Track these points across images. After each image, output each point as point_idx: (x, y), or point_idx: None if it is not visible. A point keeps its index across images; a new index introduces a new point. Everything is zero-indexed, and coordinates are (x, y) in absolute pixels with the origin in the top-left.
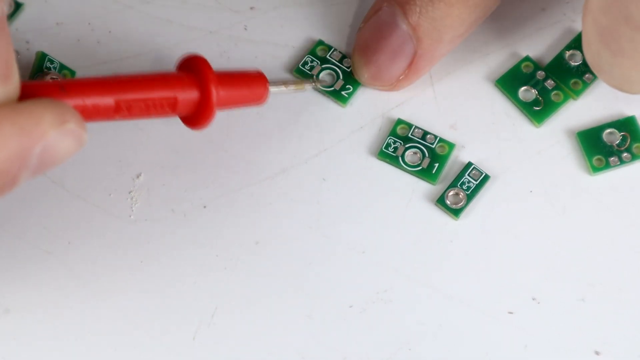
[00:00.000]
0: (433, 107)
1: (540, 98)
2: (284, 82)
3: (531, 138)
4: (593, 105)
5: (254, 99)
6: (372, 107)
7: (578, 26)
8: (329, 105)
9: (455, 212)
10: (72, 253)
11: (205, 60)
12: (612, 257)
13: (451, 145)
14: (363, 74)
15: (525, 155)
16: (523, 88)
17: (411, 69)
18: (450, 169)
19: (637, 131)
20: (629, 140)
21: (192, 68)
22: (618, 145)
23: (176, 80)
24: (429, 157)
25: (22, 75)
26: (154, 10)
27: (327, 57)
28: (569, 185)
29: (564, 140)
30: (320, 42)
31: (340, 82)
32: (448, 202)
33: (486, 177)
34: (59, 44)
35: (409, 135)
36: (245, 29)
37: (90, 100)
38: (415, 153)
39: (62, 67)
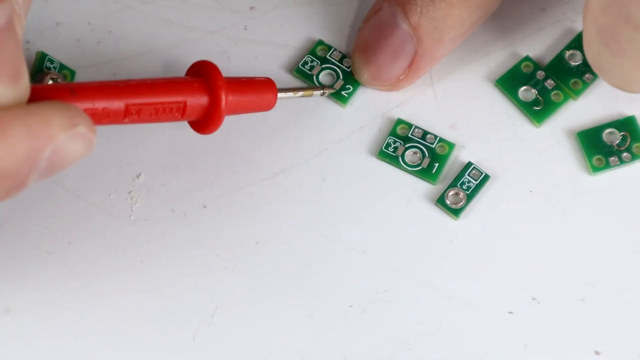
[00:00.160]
0: (433, 107)
1: (540, 98)
2: (293, 89)
3: (531, 138)
4: (593, 105)
5: (262, 106)
6: (372, 107)
7: (578, 26)
8: (329, 105)
9: (455, 212)
10: (72, 253)
11: (215, 66)
12: (612, 257)
13: (451, 145)
14: (363, 74)
15: (525, 155)
16: (523, 88)
17: (411, 69)
18: (450, 168)
19: (637, 131)
20: (629, 140)
21: (202, 73)
22: (618, 145)
23: (186, 85)
24: (429, 157)
25: None
26: (154, 10)
27: (327, 57)
28: (569, 185)
29: (564, 140)
30: (320, 42)
31: (340, 82)
32: (448, 202)
33: (486, 177)
34: (59, 44)
35: (409, 135)
36: (245, 29)
37: (101, 104)
38: (415, 153)
39: (62, 67)
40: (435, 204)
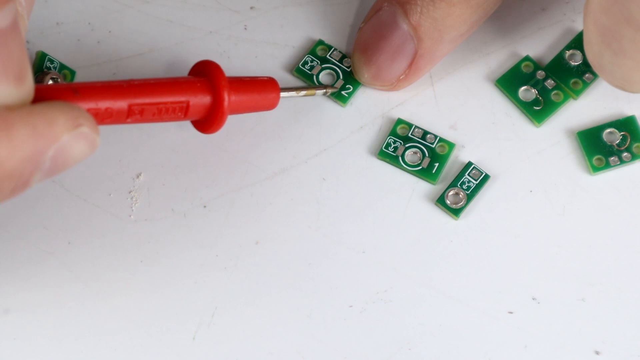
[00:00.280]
0: (433, 107)
1: (540, 98)
2: (296, 89)
3: (531, 138)
4: (593, 105)
5: (265, 105)
6: (372, 107)
7: (578, 26)
8: (329, 105)
9: (455, 212)
10: (72, 253)
11: (218, 66)
12: (612, 257)
13: (451, 145)
14: (363, 74)
15: (525, 155)
16: (523, 88)
17: (412, 68)
18: (450, 168)
19: (637, 131)
20: (629, 139)
21: (205, 73)
22: (618, 145)
23: (189, 85)
24: (429, 156)
25: None
26: (154, 10)
27: (327, 57)
28: (568, 185)
29: (564, 140)
30: (320, 42)
31: (340, 82)
32: (448, 202)
33: (486, 177)
34: (59, 44)
35: (409, 135)
36: (245, 29)
37: (104, 104)
38: (415, 153)
39: (62, 67)
40: (435, 204)
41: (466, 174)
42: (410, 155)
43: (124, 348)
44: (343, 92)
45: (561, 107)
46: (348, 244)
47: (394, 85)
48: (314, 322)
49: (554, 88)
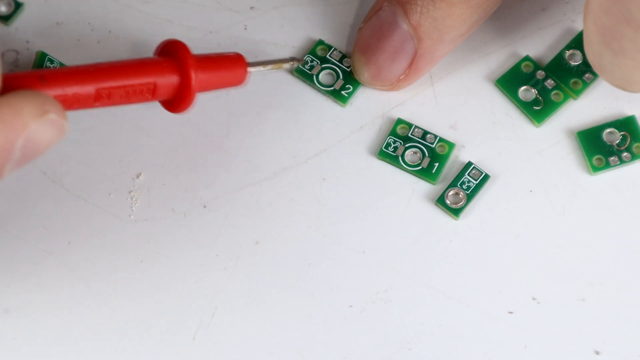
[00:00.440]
0: (433, 107)
1: (540, 98)
2: (263, 63)
3: (531, 138)
4: (593, 105)
5: (233, 81)
6: (372, 107)
7: (578, 26)
8: (329, 105)
9: (455, 212)
10: (72, 253)
11: (184, 45)
12: (612, 257)
13: (451, 145)
14: (363, 74)
15: (525, 155)
16: (523, 88)
17: (412, 68)
18: (450, 168)
19: (637, 131)
20: (629, 139)
21: (171, 53)
22: (618, 144)
23: (155, 65)
24: (429, 156)
25: None
26: (154, 10)
27: (327, 56)
28: (568, 185)
29: (564, 140)
30: (320, 42)
31: (340, 82)
32: (448, 202)
33: (486, 177)
34: (59, 44)
35: (409, 135)
36: (245, 29)
37: (71, 90)
38: (415, 153)
39: (62, 66)
40: (435, 204)
41: (466, 174)
42: (410, 155)
43: (124, 348)
44: (343, 92)
45: (561, 107)
46: (348, 244)
47: (394, 85)
48: (314, 322)
49: (554, 88)
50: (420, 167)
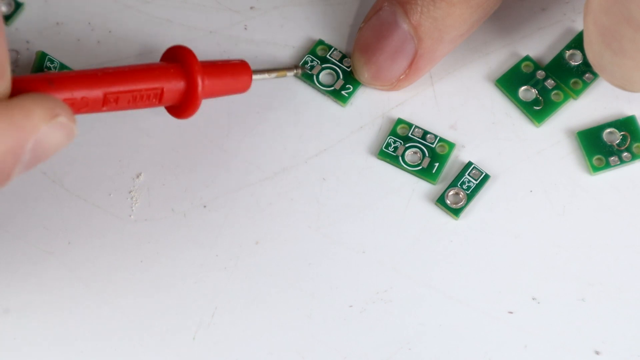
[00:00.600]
0: (433, 106)
1: (540, 98)
2: (267, 70)
3: (531, 138)
4: (593, 105)
5: (238, 88)
6: (372, 107)
7: (578, 26)
8: (329, 105)
9: (455, 212)
10: (72, 253)
11: (191, 51)
12: (612, 257)
13: (451, 145)
14: (363, 74)
15: (525, 155)
16: (523, 88)
17: (412, 68)
18: (450, 168)
19: (637, 131)
20: (629, 139)
21: (178, 58)
22: (618, 144)
23: (162, 71)
24: (429, 156)
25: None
26: (154, 10)
27: (327, 56)
28: (568, 185)
29: (564, 140)
30: (320, 42)
31: (340, 82)
32: (448, 202)
33: (486, 177)
34: (59, 43)
35: (409, 135)
36: (245, 28)
37: (79, 93)
38: (415, 153)
39: (62, 66)
40: (435, 204)
41: (466, 174)
42: (410, 155)
43: (124, 348)
44: (343, 92)
45: (561, 107)
46: (348, 244)
47: (394, 85)
48: (314, 322)
49: (554, 88)
50: (420, 167)
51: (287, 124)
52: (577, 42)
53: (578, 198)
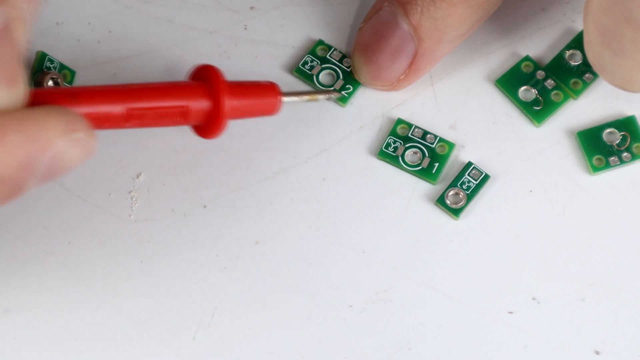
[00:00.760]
0: (433, 107)
1: (540, 98)
2: (298, 93)
3: (531, 138)
4: (593, 105)
5: (266, 110)
6: (372, 107)
7: (578, 26)
8: (329, 105)
9: (455, 212)
10: (72, 253)
11: (218, 70)
12: (612, 257)
13: (451, 145)
14: (363, 74)
15: (525, 155)
16: (523, 88)
17: (412, 68)
18: (450, 168)
19: (637, 131)
20: (629, 139)
21: (205, 77)
22: (618, 145)
23: (188, 89)
24: (429, 156)
25: None
26: (154, 10)
27: (327, 57)
28: (568, 185)
29: (564, 140)
30: (320, 42)
31: (340, 82)
32: (448, 202)
33: (486, 177)
34: (59, 43)
35: (409, 135)
36: (245, 28)
37: (102, 109)
38: (415, 153)
39: (62, 66)
40: (435, 204)
41: (466, 174)
42: (410, 155)
43: (124, 348)
44: (343, 92)
45: (561, 107)
46: (348, 244)
47: (394, 85)
48: (314, 322)
49: (554, 88)
50: (420, 167)
51: (287, 124)
52: (577, 42)
53: (578, 198)
